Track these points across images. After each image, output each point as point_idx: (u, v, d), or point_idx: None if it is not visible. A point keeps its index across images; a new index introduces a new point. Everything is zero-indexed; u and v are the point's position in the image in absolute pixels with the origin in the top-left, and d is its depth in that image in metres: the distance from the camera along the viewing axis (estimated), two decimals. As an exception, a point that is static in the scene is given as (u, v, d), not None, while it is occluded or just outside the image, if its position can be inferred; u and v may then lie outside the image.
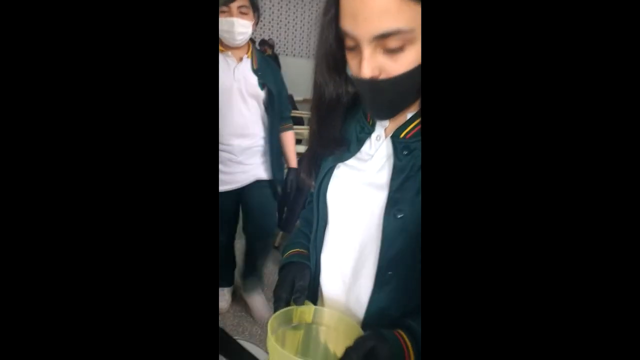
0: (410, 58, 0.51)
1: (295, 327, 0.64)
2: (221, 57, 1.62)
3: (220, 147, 1.67)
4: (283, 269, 0.71)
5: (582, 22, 0.33)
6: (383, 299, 0.61)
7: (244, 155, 1.71)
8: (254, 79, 1.64)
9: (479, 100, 0.35)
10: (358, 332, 0.57)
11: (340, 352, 0.51)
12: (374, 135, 0.63)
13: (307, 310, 0.63)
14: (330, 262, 0.68)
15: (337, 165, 0.66)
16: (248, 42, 1.64)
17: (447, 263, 0.36)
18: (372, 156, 0.62)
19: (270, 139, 1.74)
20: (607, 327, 0.32)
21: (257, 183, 1.76)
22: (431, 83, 0.37)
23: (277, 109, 1.72)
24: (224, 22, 1.51)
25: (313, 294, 0.70)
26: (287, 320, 0.63)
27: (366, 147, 0.64)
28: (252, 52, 1.66)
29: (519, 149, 0.34)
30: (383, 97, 0.56)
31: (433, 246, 0.36)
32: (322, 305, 0.70)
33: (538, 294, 0.33)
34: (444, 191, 0.36)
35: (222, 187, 1.73)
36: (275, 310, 0.62)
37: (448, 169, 0.36)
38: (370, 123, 0.65)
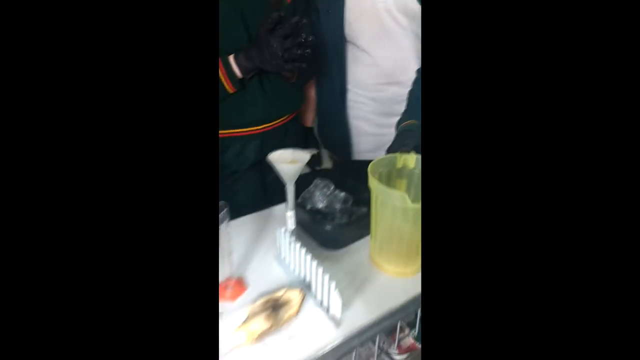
0: None
1: (400, 175, 0.73)
2: None
3: (355, 99, 1.04)
4: (398, 135, 0.84)
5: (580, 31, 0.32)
6: None
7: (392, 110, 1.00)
8: None
9: (479, 108, 0.35)
10: None
11: None
12: None
13: (410, 158, 0.72)
14: None
15: None
16: None
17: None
18: None
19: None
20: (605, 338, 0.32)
21: None
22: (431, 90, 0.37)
23: None
24: None
25: None
26: (391, 164, 0.72)
27: None
28: None
29: (520, 167, 0.34)
30: None
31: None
32: None
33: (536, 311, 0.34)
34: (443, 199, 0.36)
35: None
36: None
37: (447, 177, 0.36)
38: None
